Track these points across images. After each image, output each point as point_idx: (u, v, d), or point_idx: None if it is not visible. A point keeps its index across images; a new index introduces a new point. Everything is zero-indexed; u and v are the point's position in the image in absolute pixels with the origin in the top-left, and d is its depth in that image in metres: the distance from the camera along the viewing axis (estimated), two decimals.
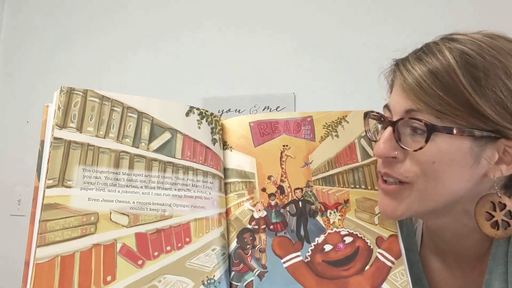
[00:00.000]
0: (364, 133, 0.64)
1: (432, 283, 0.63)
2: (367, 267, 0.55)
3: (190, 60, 1.87)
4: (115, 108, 0.55)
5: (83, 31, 2.04)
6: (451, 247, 0.61)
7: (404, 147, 0.52)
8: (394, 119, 0.53)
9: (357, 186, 0.61)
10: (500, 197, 0.53)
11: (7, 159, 2.04)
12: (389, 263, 0.56)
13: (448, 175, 0.51)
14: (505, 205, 0.52)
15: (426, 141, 0.49)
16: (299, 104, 1.73)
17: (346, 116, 0.64)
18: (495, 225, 0.53)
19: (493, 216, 0.53)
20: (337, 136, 0.64)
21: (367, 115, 0.59)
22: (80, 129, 0.53)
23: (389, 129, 0.53)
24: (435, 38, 0.55)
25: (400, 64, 0.54)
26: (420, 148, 0.50)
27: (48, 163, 0.50)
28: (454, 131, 0.49)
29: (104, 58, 1.97)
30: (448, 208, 0.55)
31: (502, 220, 0.52)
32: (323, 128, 0.64)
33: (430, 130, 0.49)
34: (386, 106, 0.56)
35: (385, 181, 0.55)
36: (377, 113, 0.58)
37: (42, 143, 0.53)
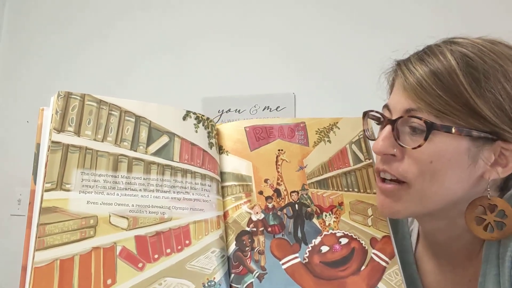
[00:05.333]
0: (355, 139, 0.66)
1: (425, 283, 0.64)
2: (363, 268, 0.56)
3: (190, 60, 1.86)
4: (112, 112, 0.55)
5: (86, 33, 2.01)
6: (444, 249, 0.62)
7: (403, 145, 0.52)
8: (394, 118, 0.54)
9: (350, 189, 0.63)
10: (490, 199, 0.53)
11: (7, 159, 1.98)
12: (383, 263, 0.57)
13: (445, 175, 0.51)
14: (496, 206, 0.53)
15: (425, 139, 0.50)
16: (299, 104, 1.72)
17: (337, 122, 0.67)
18: (489, 227, 0.53)
19: (485, 219, 0.54)
20: (329, 141, 0.65)
21: (366, 114, 0.60)
22: (78, 132, 0.52)
23: (388, 127, 0.54)
24: (437, 41, 0.56)
25: (401, 64, 0.55)
26: (419, 146, 0.51)
27: (46, 167, 0.50)
28: (453, 130, 0.50)
29: (104, 58, 1.94)
30: (445, 211, 0.55)
31: (495, 221, 0.53)
32: (316, 133, 0.66)
33: (429, 128, 0.50)
34: (386, 106, 0.57)
35: (383, 180, 0.56)
36: (377, 112, 0.58)
37: (37, 146, 0.52)
